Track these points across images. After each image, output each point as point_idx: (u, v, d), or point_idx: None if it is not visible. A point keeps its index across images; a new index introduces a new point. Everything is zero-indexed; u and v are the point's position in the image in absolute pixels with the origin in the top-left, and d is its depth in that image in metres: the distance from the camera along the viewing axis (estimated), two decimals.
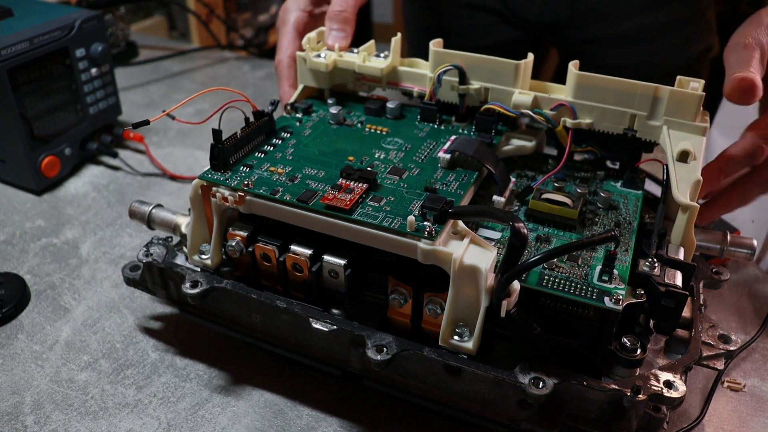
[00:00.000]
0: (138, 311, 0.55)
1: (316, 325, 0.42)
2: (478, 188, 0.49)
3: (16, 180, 0.71)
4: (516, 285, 0.38)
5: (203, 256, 0.47)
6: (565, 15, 0.86)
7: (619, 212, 0.47)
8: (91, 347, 0.51)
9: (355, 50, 0.57)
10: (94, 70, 0.73)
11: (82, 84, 0.72)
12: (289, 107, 0.55)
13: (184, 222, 0.50)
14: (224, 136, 0.45)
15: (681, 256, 0.42)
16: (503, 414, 0.40)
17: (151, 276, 0.48)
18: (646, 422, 0.38)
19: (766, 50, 0.48)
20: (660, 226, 0.44)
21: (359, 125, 0.53)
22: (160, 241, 0.49)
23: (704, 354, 0.43)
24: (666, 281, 0.40)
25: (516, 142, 0.53)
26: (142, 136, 0.78)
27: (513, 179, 0.48)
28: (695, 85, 0.46)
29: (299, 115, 0.55)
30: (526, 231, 0.35)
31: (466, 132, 0.53)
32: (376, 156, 0.48)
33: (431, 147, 0.50)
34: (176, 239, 0.50)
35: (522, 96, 0.50)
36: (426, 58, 0.55)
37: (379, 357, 0.39)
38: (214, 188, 0.44)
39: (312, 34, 0.56)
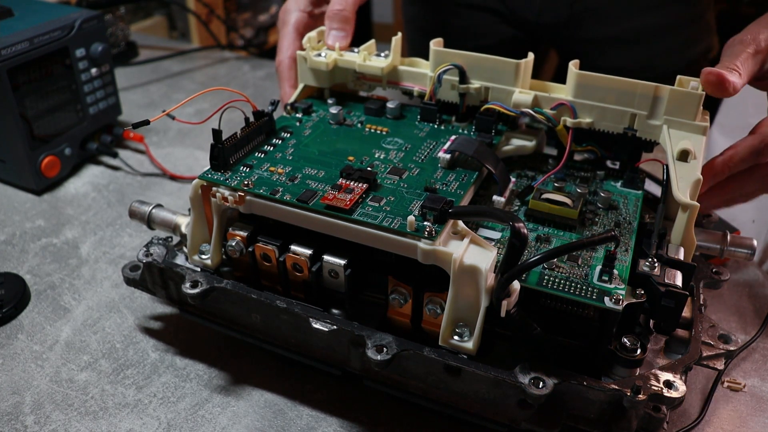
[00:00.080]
0: (138, 311, 0.55)
1: (316, 325, 0.42)
2: (478, 188, 0.49)
3: (16, 180, 0.71)
4: (516, 285, 0.38)
5: (203, 256, 0.47)
6: (565, 15, 0.86)
7: (619, 212, 0.47)
8: (91, 347, 0.51)
9: (356, 50, 0.57)
10: (94, 70, 0.73)
11: (82, 84, 0.72)
12: (289, 107, 0.55)
13: (184, 222, 0.50)
14: (224, 136, 0.45)
15: (681, 256, 0.42)
16: (503, 414, 0.40)
17: (151, 276, 0.48)
18: (646, 422, 0.38)
19: (762, 46, 0.48)
20: (660, 226, 0.44)
21: (359, 125, 0.53)
22: (160, 241, 0.49)
23: (704, 354, 0.43)
24: (666, 281, 0.40)
25: (516, 142, 0.53)
26: (142, 136, 0.78)
27: (513, 179, 0.48)
28: (695, 85, 0.46)
29: (299, 115, 0.55)
30: (526, 231, 0.35)
31: (466, 132, 0.53)
32: (376, 156, 0.48)
33: (431, 147, 0.50)
34: (176, 239, 0.50)
35: (522, 95, 0.50)
36: (426, 58, 0.55)
37: (379, 357, 0.39)
38: (214, 188, 0.44)
39: (312, 34, 0.56)
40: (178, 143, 0.81)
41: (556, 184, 0.48)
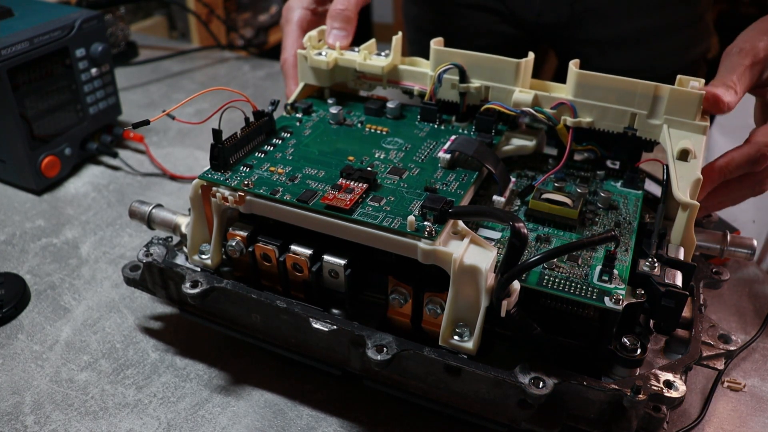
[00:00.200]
0: (138, 311, 0.55)
1: (316, 325, 0.42)
2: (478, 188, 0.49)
3: (16, 180, 0.71)
4: (516, 285, 0.37)
5: (203, 256, 0.47)
6: (565, 15, 0.85)
7: (619, 212, 0.47)
8: (91, 347, 0.51)
9: (356, 49, 0.57)
10: (94, 70, 0.73)
11: (82, 84, 0.72)
12: (289, 107, 0.55)
13: (184, 222, 0.50)
14: (224, 136, 0.45)
15: (681, 256, 0.42)
16: (503, 414, 0.40)
17: (151, 276, 0.48)
18: (646, 422, 0.38)
19: (760, 57, 0.48)
20: (660, 225, 0.44)
21: (359, 125, 0.53)
22: (160, 241, 0.49)
23: (704, 354, 0.43)
24: (666, 281, 0.40)
25: (516, 142, 0.53)
26: (142, 136, 0.78)
27: (513, 179, 0.48)
28: (695, 84, 0.46)
29: (299, 115, 0.55)
30: (526, 231, 0.35)
31: (466, 132, 0.53)
32: (376, 156, 0.48)
33: (431, 147, 0.50)
34: (176, 239, 0.50)
35: (522, 94, 0.50)
36: (426, 58, 0.55)
37: (379, 357, 0.39)
38: (214, 188, 0.44)
39: (313, 33, 0.56)
40: (178, 143, 0.81)
41: (556, 184, 0.48)
